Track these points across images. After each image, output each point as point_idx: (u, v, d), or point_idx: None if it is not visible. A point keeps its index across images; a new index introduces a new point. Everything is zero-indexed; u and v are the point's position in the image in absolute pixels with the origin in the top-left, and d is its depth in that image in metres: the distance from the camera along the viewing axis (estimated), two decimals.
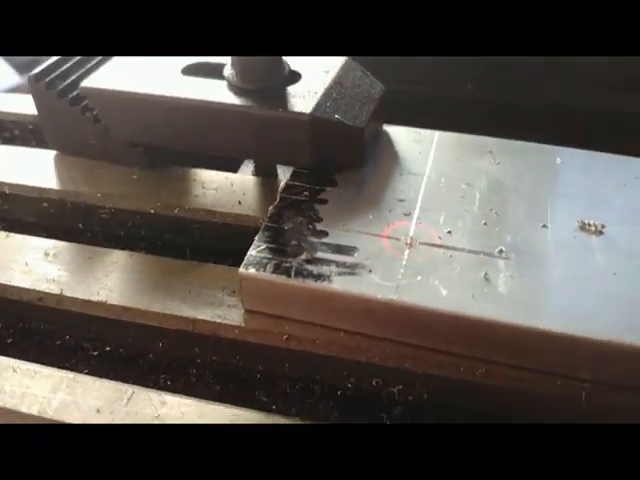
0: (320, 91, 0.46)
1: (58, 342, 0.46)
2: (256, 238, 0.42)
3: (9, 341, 0.46)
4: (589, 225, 0.42)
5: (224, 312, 0.42)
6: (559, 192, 0.44)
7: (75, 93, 0.50)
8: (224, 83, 0.48)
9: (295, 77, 0.48)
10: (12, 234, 0.48)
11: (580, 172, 0.45)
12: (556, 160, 0.46)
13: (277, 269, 0.40)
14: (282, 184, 0.45)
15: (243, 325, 0.41)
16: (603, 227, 0.41)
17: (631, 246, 0.40)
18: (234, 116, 0.46)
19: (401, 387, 0.40)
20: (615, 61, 0.55)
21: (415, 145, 0.48)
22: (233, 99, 0.46)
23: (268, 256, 0.41)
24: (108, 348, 0.45)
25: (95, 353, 0.45)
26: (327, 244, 0.41)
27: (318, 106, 0.45)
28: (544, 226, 0.42)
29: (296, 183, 0.45)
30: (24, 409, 0.38)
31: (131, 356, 0.44)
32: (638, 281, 0.39)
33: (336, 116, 0.44)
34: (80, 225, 0.51)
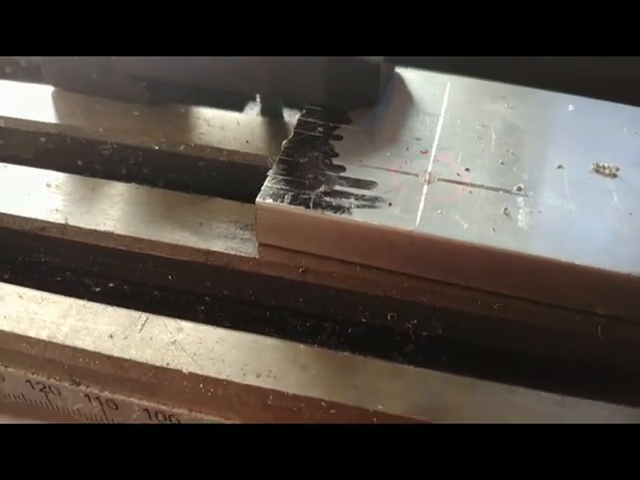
0: None
1: (58, 278, 0.44)
2: (271, 171, 0.41)
3: (6, 276, 0.44)
4: (603, 168, 0.42)
5: (237, 245, 0.41)
6: (572, 136, 0.44)
7: None
8: None
9: None
10: (11, 165, 0.46)
11: (592, 119, 0.45)
12: (568, 107, 0.46)
13: (295, 200, 0.39)
14: (296, 118, 0.45)
15: (257, 257, 0.40)
16: (617, 170, 0.42)
17: None
18: None
19: (416, 322, 0.40)
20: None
21: (428, 87, 0.47)
22: None
23: (285, 187, 0.40)
24: (111, 284, 0.44)
25: (97, 289, 0.44)
26: (345, 178, 0.41)
27: None
28: (560, 167, 0.42)
29: (309, 119, 0.45)
30: (32, 334, 0.37)
31: (135, 293, 0.43)
32: None
33: None
34: (79, 162, 0.49)
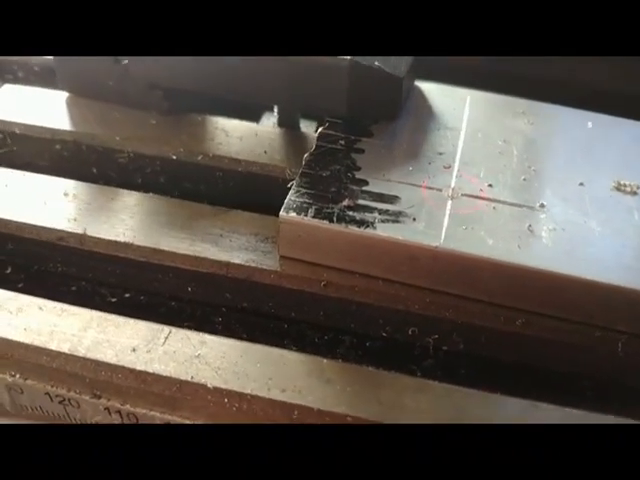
0: None
1: (74, 288, 0.44)
2: (294, 183, 0.41)
3: (19, 286, 0.43)
4: (624, 185, 0.42)
5: (258, 257, 0.41)
6: (592, 153, 0.44)
7: None
8: None
9: None
10: (29, 173, 0.46)
11: (611, 136, 0.46)
12: (587, 123, 0.46)
13: (318, 214, 0.39)
14: (317, 132, 0.44)
15: (279, 270, 0.40)
16: (638, 188, 0.42)
17: None
18: (267, 60, 0.45)
19: (437, 337, 0.40)
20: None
21: (449, 101, 0.47)
22: None
23: (308, 201, 0.40)
24: (127, 295, 0.43)
25: (113, 300, 0.43)
26: (368, 192, 0.41)
27: None
28: (581, 184, 0.42)
29: (331, 132, 0.44)
30: (53, 347, 0.37)
31: (152, 304, 0.43)
32: None
33: (376, 63, 0.44)
34: (94, 170, 0.49)
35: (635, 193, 0.42)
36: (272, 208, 0.41)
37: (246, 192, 0.47)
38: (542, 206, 0.40)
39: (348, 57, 0.43)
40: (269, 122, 0.52)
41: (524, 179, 0.42)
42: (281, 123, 0.51)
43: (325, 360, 0.37)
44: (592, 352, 0.38)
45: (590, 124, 0.46)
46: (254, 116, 0.53)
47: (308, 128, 0.51)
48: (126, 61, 0.48)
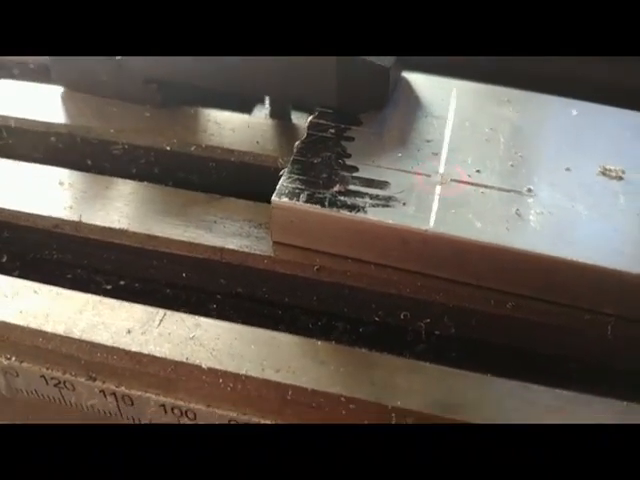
0: None
1: (69, 275, 0.44)
2: (285, 170, 0.42)
3: (15, 273, 0.44)
4: (610, 170, 0.43)
5: (252, 243, 0.41)
6: (578, 140, 0.45)
7: None
8: None
9: None
10: (24, 163, 0.46)
11: (596, 123, 0.46)
12: (571, 111, 0.47)
13: (310, 199, 0.40)
14: (307, 120, 0.45)
15: (272, 255, 0.41)
16: (623, 173, 0.43)
17: None
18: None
19: (429, 321, 0.40)
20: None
21: (436, 91, 0.48)
22: None
23: (300, 187, 0.41)
24: (122, 282, 0.44)
25: (108, 287, 0.44)
26: (358, 178, 0.41)
27: None
28: (567, 169, 0.43)
29: (321, 121, 0.45)
30: (49, 329, 0.37)
31: (147, 290, 0.43)
32: None
33: None
34: (89, 161, 0.49)
35: (620, 178, 0.43)
36: (265, 197, 0.42)
37: (239, 182, 0.48)
38: (529, 191, 0.41)
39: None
40: (261, 114, 0.53)
41: (511, 165, 0.43)
42: (273, 115, 0.52)
43: (319, 342, 0.37)
44: (581, 335, 0.39)
45: (575, 111, 0.47)
46: (246, 108, 0.53)
47: (299, 119, 0.52)
48: (119, 56, 0.49)
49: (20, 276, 0.43)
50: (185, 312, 0.41)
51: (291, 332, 0.41)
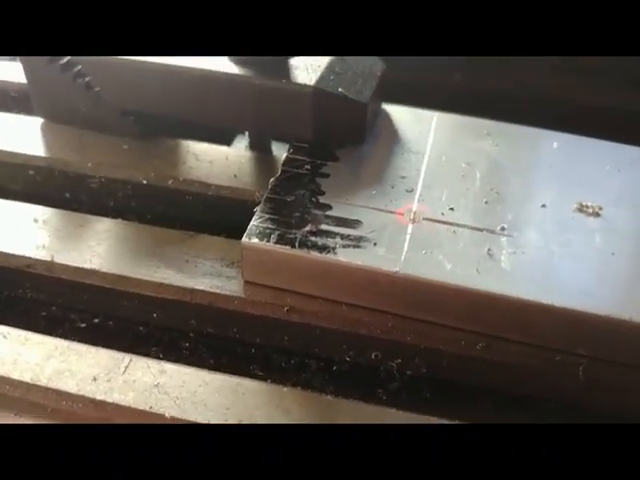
0: (323, 64, 0.45)
1: (44, 313, 0.44)
2: (258, 209, 0.42)
3: None
4: (587, 207, 0.42)
5: (223, 283, 0.41)
6: (556, 174, 0.45)
7: (67, 59, 0.49)
8: None
9: None
10: None
11: (576, 156, 0.46)
12: (552, 144, 0.47)
13: (281, 239, 0.40)
14: (283, 157, 0.45)
15: (243, 296, 0.41)
16: (600, 209, 0.42)
17: (628, 228, 0.41)
18: (235, 86, 0.45)
19: (400, 361, 0.40)
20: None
21: (414, 124, 0.48)
22: (234, 68, 0.45)
23: (271, 227, 0.40)
24: (96, 320, 0.44)
25: (83, 325, 0.44)
26: (331, 217, 0.41)
27: (321, 79, 0.44)
28: (543, 206, 0.42)
29: (297, 157, 0.45)
30: (16, 376, 0.37)
31: (120, 328, 0.43)
32: (636, 261, 0.39)
33: (340, 90, 0.44)
34: (67, 195, 0.50)
35: (597, 214, 0.42)
36: (241, 231, 0.41)
37: (216, 215, 0.48)
38: (503, 229, 0.41)
39: (312, 84, 0.44)
40: (241, 145, 0.53)
41: (486, 202, 0.42)
42: (252, 146, 0.51)
43: (285, 389, 0.37)
44: (553, 376, 0.39)
45: (555, 144, 0.47)
46: (227, 139, 0.53)
47: (280, 150, 0.52)
48: (98, 88, 0.49)
49: None
50: (158, 351, 0.42)
51: (263, 371, 0.41)
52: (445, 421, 0.36)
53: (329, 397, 0.37)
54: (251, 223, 0.41)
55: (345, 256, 0.39)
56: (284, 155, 0.45)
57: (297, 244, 0.39)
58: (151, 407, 0.35)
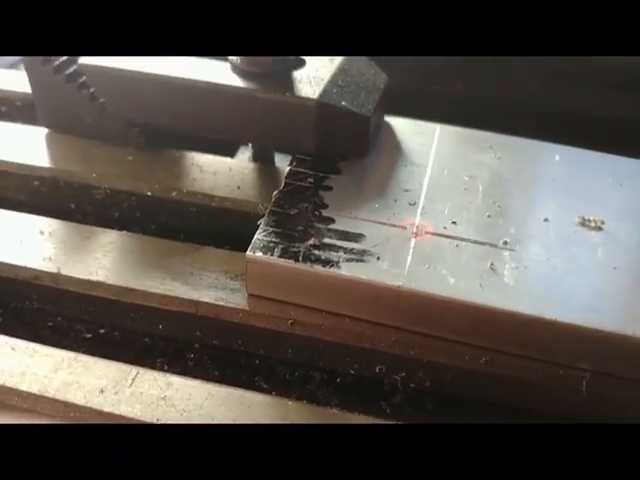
0: (326, 78, 0.46)
1: (50, 324, 0.45)
2: (262, 222, 0.42)
3: None
4: (589, 221, 0.43)
5: (227, 295, 0.42)
6: (559, 188, 0.45)
7: (72, 69, 0.49)
8: (227, 65, 0.47)
9: (299, 63, 0.47)
10: (5, 211, 0.47)
11: (578, 170, 0.46)
12: (555, 157, 0.47)
13: (285, 253, 0.40)
14: (286, 170, 0.45)
15: (247, 309, 0.41)
16: (602, 223, 0.43)
17: (630, 242, 0.42)
18: (238, 99, 0.46)
19: (404, 374, 0.40)
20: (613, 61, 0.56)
21: (417, 137, 0.48)
22: (237, 81, 0.46)
23: (275, 240, 0.41)
24: (102, 331, 0.44)
25: (88, 336, 0.44)
26: (334, 230, 0.41)
27: (325, 92, 0.45)
28: (546, 220, 0.43)
29: (300, 169, 0.45)
30: (24, 387, 0.37)
31: (126, 339, 0.44)
32: (638, 275, 0.40)
33: (343, 103, 0.44)
34: (72, 205, 0.50)
35: (599, 228, 0.42)
36: (245, 243, 0.42)
37: (220, 227, 0.48)
38: (505, 243, 0.41)
39: (315, 97, 0.44)
40: (244, 156, 0.53)
41: (488, 216, 0.43)
42: (255, 158, 0.52)
43: (290, 402, 0.37)
44: (555, 390, 0.39)
45: (557, 157, 0.47)
46: (230, 150, 0.54)
47: (283, 162, 0.52)
48: (102, 99, 0.49)
49: (2, 325, 0.44)
50: (163, 362, 0.42)
51: (267, 383, 0.41)
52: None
53: (334, 410, 0.37)
54: (255, 236, 0.41)
55: (348, 270, 0.39)
56: (287, 167, 0.45)
57: (300, 258, 0.40)
58: (158, 419, 0.36)
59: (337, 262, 0.40)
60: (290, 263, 0.40)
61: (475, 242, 0.41)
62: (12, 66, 0.63)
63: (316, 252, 0.40)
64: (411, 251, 0.40)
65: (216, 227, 0.48)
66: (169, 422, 0.36)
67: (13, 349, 0.39)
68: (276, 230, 0.41)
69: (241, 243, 0.44)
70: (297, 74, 0.46)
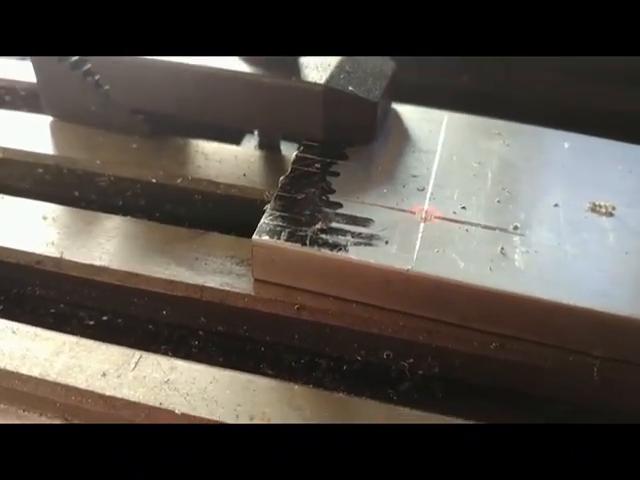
0: (333, 63, 0.45)
1: (52, 310, 0.44)
2: (268, 207, 0.41)
3: (0, 308, 0.44)
4: (599, 206, 0.42)
5: (233, 280, 0.41)
6: (568, 174, 0.44)
7: (77, 57, 0.49)
8: None
9: None
10: (8, 196, 0.46)
11: (588, 156, 0.46)
12: (564, 144, 0.47)
13: (291, 237, 0.39)
14: (293, 155, 0.45)
15: (253, 294, 0.40)
16: (613, 209, 0.42)
17: None
18: (244, 84, 0.45)
19: (412, 360, 0.40)
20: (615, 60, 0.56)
21: (425, 124, 0.48)
22: (243, 67, 0.45)
23: (282, 224, 0.40)
24: (105, 318, 0.44)
25: (91, 322, 0.43)
26: (342, 215, 0.41)
27: (332, 77, 0.44)
28: (556, 205, 0.42)
29: (307, 155, 0.45)
30: (25, 371, 0.37)
31: (130, 326, 0.43)
32: None
33: (350, 88, 0.44)
34: (76, 193, 0.50)
35: (610, 214, 0.42)
36: (251, 230, 0.41)
37: (225, 214, 0.47)
38: (515, 228, 0.40)
39: (322, 82, 0.43)
40: (250, 144, 0.53)
41: (498, 201, 0.42)
42: (261, 145, 0.51)
43: (296, 386, 0.37)
44: (566, 376, 0.38)
45: (567, 144, 0.46)
46: (235, 138, 0.53)
47: (289, 150, 0.51)
48: (107, 86, 0.49)
49: (4, 311, 0.43)
50: (167, 349, 0.41)
51: (273, 370, 0.41)
52: (459, 420, 0.36)
53: (341, 395, 0.37)
54: (261, 221, 0.40)
55: (357, 254, 0.39)
56: (294, 154, 0.45)
57: (308, 242, 0.39)
58: (161, 403, 0.35)
59: (345, 246, 0.39)
60: (297, 247, 0.39)
61: (485, 227, 0.40)
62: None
63: (323, 236, 0.39)
64: (420, 235, 0.40)
65: (221, 214, 0.47)
66: (172, 407, 0.35)
67: (14, 332, 0.39)
68: (283, 214, 0.41)
69: (246, 230, 0.43)
70: (304, 60, 0.46)
